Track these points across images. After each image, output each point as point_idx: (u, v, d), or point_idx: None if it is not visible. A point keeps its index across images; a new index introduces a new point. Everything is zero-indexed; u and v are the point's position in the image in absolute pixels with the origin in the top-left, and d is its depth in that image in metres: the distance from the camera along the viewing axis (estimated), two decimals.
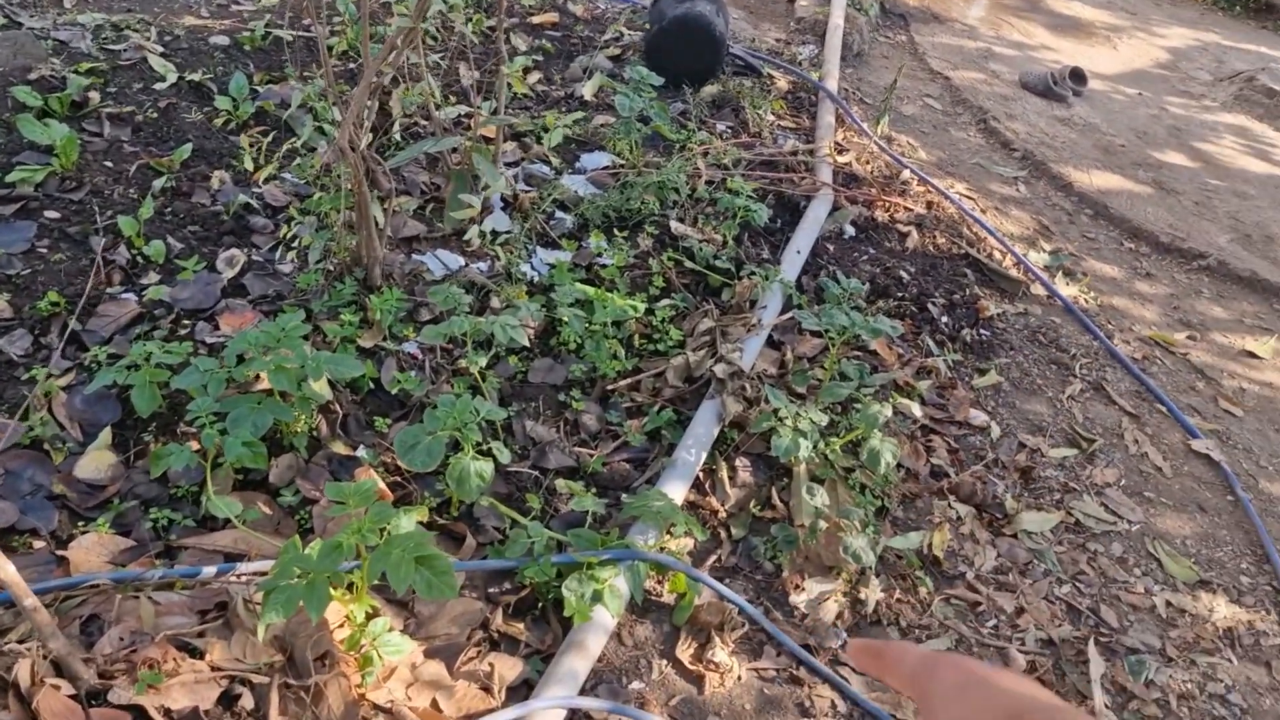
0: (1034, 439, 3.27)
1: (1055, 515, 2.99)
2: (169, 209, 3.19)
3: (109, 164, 3.31)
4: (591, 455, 2.77)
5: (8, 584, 1.53)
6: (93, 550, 2.18)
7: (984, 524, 2.92)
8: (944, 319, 3.64)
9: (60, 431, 2.45)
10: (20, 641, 1.75)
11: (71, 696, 1.62)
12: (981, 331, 3.67)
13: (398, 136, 3.70)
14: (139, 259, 2.97)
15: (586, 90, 4.43)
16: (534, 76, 4.53)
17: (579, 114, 4.06)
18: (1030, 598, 2.73)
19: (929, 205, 4.30)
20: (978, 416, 3.28)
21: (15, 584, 1.54)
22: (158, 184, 3.23)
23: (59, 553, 2.16)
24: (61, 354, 2.63)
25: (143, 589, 1.97)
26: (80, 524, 2.28)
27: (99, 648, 1.78)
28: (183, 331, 2.77)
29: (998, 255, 4.16)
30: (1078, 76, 6.06)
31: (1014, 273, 4.05)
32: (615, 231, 3.53)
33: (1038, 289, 4.05)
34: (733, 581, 2.58)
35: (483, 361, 2.78)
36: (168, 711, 1.66)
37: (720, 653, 2.36)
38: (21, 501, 2.29)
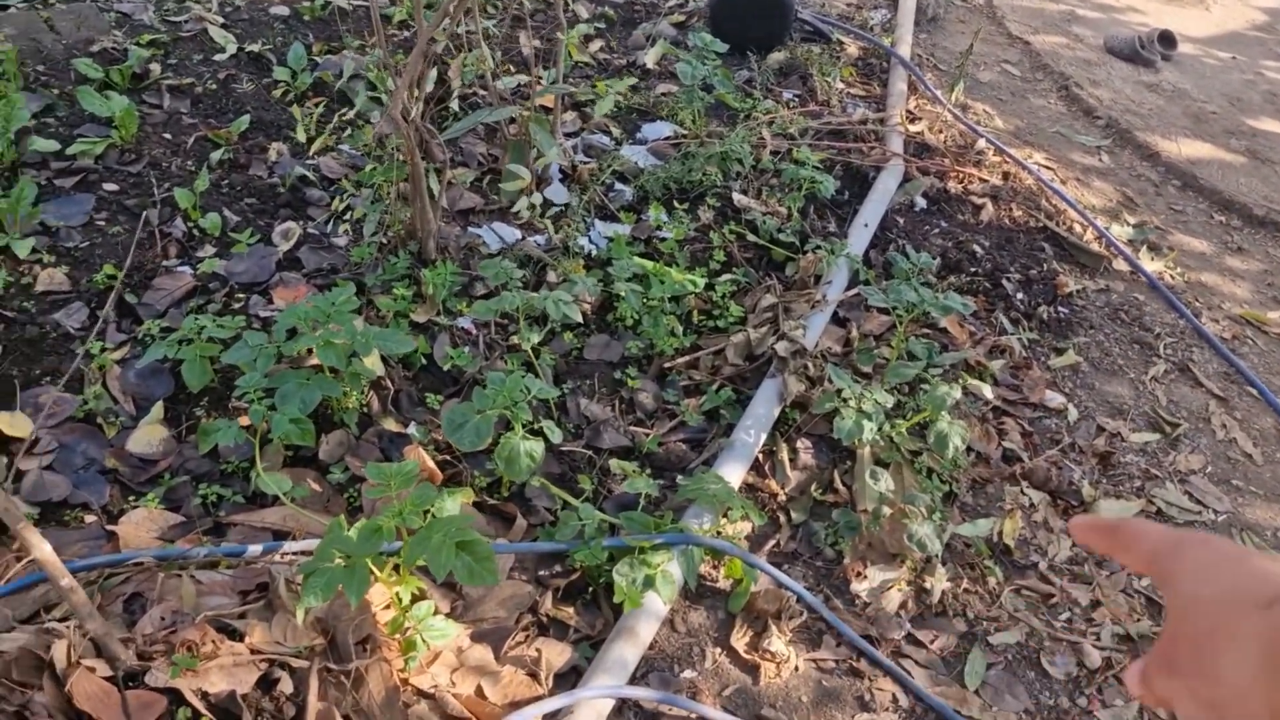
0: (1114, 422, 3.11)
1: (1135, 503, 2.84)
2: (226, 181, 3.17)
3: (167, 136, 3.30)
4: (647, 435, 2.69)
5: (43, 564, 1.50)
6: (142, 525, 2.17)
7: (1058, 511, 2.78)
8: (1019, 295, 3.47)
9: (114, 405, 2.45)
10: (61, 620, 1.73)
11: (108, 678, 1.60)
12: (1059, 309, 3.50)
13: (456, 107, 3.63)
14: (195, 231, 2.96)
15: (649, 58, 4.32)
16: (596, 44, 4.43)
17: (631, 80, 3.95)
18: (1107, 590, 2.59)
19: (1005, 176, 4.11)
20: (1054, 398, 3.12)
21: (51, 564, 1.51)
22: (215, 156, 3.22)
23: (109, 527, 2.16)
24: (117, 327, 2.63)
25: (186, 567, 1.95)
26: (131, 498, 2.27)
27: (139, 628, 1.75)
28: (237, 305, 2.75)
29: (1078, 229, 3.97)
30: (1167, 40, 5.77)
31: (1095, 247, 3.86)
32: (675, 204, 3.43)
33: (1120, 264, 3.86)
34: (791, 568, 2.48)
35: (536, 338, 2.72)
36: (205, 695, 1.63)
37: (777, 642, 2.27)
38: (74, 475, 2.28)
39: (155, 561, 1.95)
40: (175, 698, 1.63)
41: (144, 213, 2.95)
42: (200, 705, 1.62)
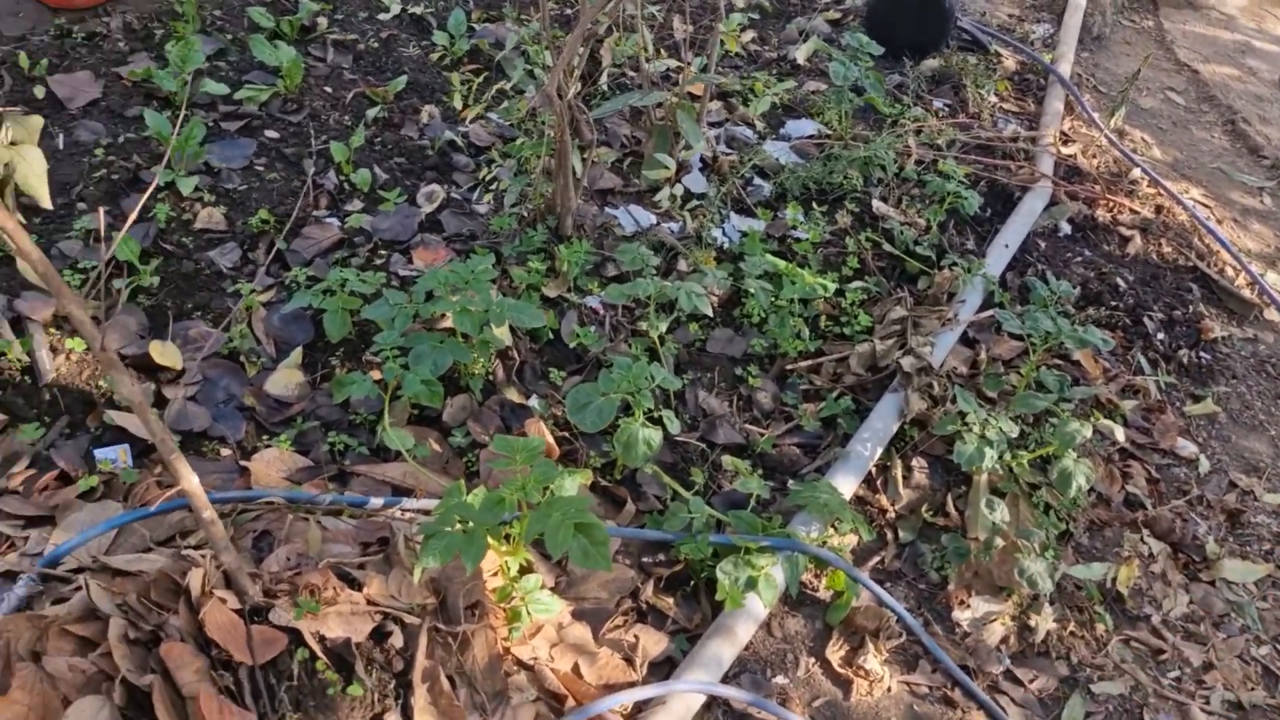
0: (1248, 479, 2.98)
1: (1263, 567, 2.72)
2: (378, 139, 3.27)
3: (328, 89, 3.41)
4: (762, 435, 2.68)
5: (190, 495, 1.58)
6: (273, 465, 2.27)
7: (1179, 565, 2.69)
8: (1160, 335, 3.34)
9: (256, 346, 2.55)
10: (197, 547, 1.82)
11: (236, 610, 1.68)
12: (1201, 354, 3.36)
13: (605, 86, 3.66)
14: (346, 185, 3.06)
15: (800, 54, 4.27)
16: (748, 35, 4.40)
17: (789, 83, 3.92)
18: (1222, 653, 2.49)
19: (1158, 209, 3.95)
20: (1186, 447, 3.01)
21: (197, 495, 1.59)
22: (371, 113, 3.31)
23: (242, 463, 2.26)
24: (266, 271, 2.74)
25: (313, 512, 2.03)
26: (264, 437, 2.38)
27: (266, 565, 1.84)
28: (378, 261, 2.83)
29: (1230, 272, 3.79)
30: None
31: (1247, 293, 3.68)
32: (814, 204, 3.40)
33: (1272, 314, 3.68)
34: (894, 587, 2.46)
35: (663, 327, 2.73)
36: (322, 639, 1.70)
37: (872, 660, 2.26)
38: (215, 409, 2.40)
39: (285, 502, 2.04)
40: (295, 637, 1.70)
41: (301, 162, 3.06)
42: (317, 648, 1.69)
